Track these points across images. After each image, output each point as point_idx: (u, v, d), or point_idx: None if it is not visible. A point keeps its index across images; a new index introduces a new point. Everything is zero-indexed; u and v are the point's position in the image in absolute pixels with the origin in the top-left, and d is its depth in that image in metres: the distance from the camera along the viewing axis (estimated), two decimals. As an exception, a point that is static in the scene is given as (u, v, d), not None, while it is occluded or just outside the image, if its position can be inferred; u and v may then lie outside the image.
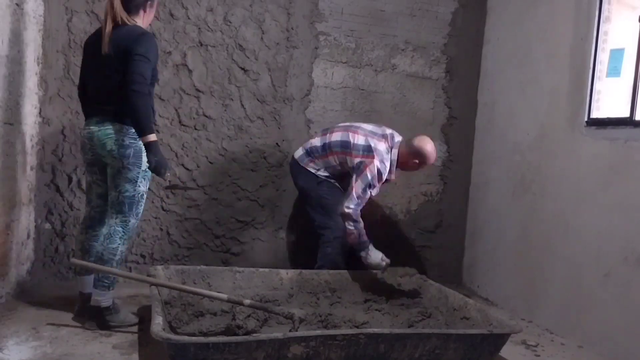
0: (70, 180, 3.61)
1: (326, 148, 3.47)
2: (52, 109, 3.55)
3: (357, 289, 3.41)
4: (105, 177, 2.86)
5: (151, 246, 3.78)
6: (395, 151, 3.43)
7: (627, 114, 3.05)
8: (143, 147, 2.70)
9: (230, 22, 3.82)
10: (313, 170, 3.50)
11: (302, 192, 3.64)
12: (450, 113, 4.37)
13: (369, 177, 3.29)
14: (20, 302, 3.10)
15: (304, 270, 3.40)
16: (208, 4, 3.77)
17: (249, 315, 2.86)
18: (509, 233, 3.91)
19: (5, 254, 3.00)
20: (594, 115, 3.27)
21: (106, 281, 2.77)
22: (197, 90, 3.79)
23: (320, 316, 3.09)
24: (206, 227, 3.87)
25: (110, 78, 2.71)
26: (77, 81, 3.55)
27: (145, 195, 2.90)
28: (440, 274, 4.34)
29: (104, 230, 2.85)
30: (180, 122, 3.77)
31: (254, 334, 2.26)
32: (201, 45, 3.78)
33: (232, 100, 3.87)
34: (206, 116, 3.82)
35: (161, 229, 3.78)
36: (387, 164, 3.38)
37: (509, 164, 3.97)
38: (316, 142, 3.54)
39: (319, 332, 2.34)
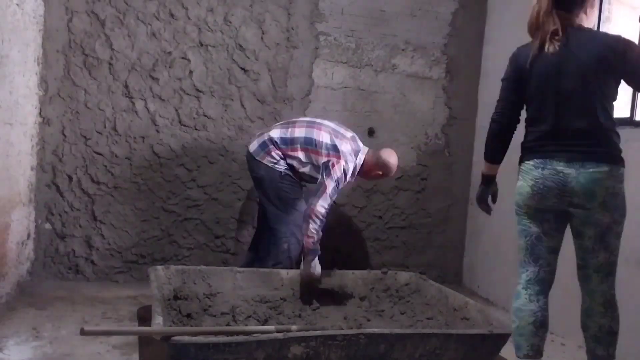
0: (70, 180, 3.61)
1: (288, 142, 3.27)
2: (52, 109, 3.55)
3: (358, 289, 3.41)
4: (561, 227, 2.36)
5: (151, 246, 3.78)
6: (361, 156, 3.34)
7: (627, 114, 3.05)
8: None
9: (230, 22, 3.82)
10: (270, 164, 3.27)
11: (260, 183, 3.33)
12: (451, 113, 4.37)
13: (337, 177, 3.17)
14: (20, 302, 3.11)
15: (304, 271, 3.39)
16: (208, 4, 3.77)
17: (249, 316, 2.86)
18: (509, 233, 3.90)
19: (5, 254, 2.99)
20: (594, 115, 3.26)
21: None
22: (198, 90, 3.79)
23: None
24: (206, 227, 3.87)
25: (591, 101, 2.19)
26: (77, 81, 3.57)
27: None
28: (440, 274, 4.35)
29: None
30: (180, 122, 3.77)
31: (255, 334, 2.25)
32: (201, 45, 3.78)
33: (233, 100, 3.87)
34: (206, 116, 3.82)
35: (161, 229, 3.78)
36: (351, 166, 3.26)
37: (509, 165, 3.96)
38: (275, 134, 3.29)
39: (319, 332, 2.34)
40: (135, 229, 3.74)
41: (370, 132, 4.19)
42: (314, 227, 3.10)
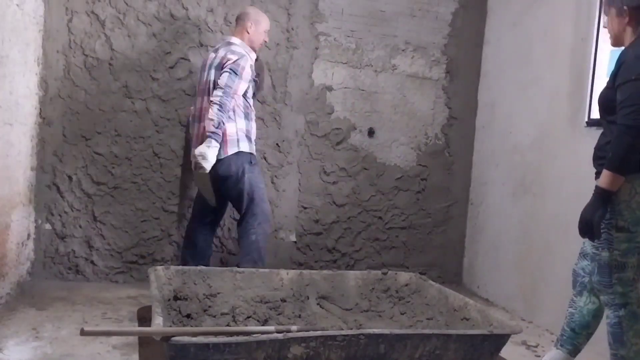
0: (70, 180, 3.61)
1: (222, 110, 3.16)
2: (52, 109, 3.55)
3: (358, 289, 3.41)
4: None
5: (151, 246, 3.78)
6: (238, 41, 3.38)
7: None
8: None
9: (230, 22, 3.82)
10: (236, 151, 3.24)
11: (227, 180, 3.28)
12: (450, 113, 4.37)
13: (236, 71, 3.20)
14: (20, 302, 3.11)
15: (304, 271, 3.39)
16: (208, 4, 3.77)
17: (249, 317, 2.86)
18: (509, 233, 3.91)
19: (5, 254, 3.00)
20: (594, 115, 3.26)
21: None
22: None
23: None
24: (206, 228, 3.87)
25: None
26: (77, 82, 3.58)
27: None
28: (440, 274, 4.35)
29: None
30: (180, 122, 3.77)
31: (254, 335, 2.26)
32: (201, 45, 3.78)
33: (232, 100, 3.87)
34: (206, 116, 3.82)
35: (162, 230, 3.78)
36: (249, 56, 3.32)
37: (509, 164, 3.97)
38: (209, 126, 3.15)
39: (319, 332, 2.34)
40: (136, 230, 3.74)
41: (370, 132, 4.19)
42: (215, 113, 3.10)
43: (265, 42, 3.56)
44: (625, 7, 2.26)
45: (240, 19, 3.47)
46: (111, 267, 3.71)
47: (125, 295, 3.44)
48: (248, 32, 3.42)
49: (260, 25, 3.46)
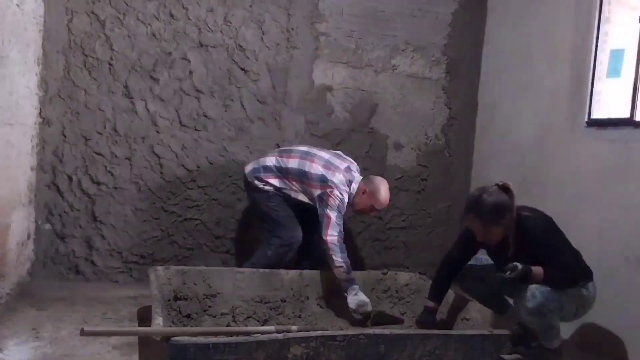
0: (70, 180, 3.61)
1: (282, 171, 3.33)
2: (52, 109, 3.55)
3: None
4: None
5: (151, 247, 3.78)
6: (355, 186, 3.29)
7: (627, 115, 3.05)
8: None
9: (230, 22, 3.82)
10: (260, 185, 3.36)
11: (252, 203, 3.54)
12: (451, 113, 4.37)
13: (336, 204, 3.17)
14: (20, 302, 3.10)
15: (304, 271, 3.39)
16: (208, 4, 3.77)
17: (249, 317, 2.87)
18: (509, 233, 3.90)
19: (5, 254, 3.00)
20: (594, 115, 3.27)
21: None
22: (198, 90, 3.79)
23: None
24: (206, 228, 3.87)
25: None
26: (77, 82, 3.58)
27: None
28: (440, 275, 4.34)
29: None
30: (180, 122, 3.77)
31: (255, 335, 2.26)
32: (201, 45, 3.78)
33: (233, 101, 3.87)
34: (206, 117, 3.82)
35: (161, 230, 3.78)
36: (345, 195, 3.23)
37: (509, 165, 3.97)
38: (270, 162, 3.37)
39: (319, 332, 2.34)
40: (136, 230, 3.74)
41: (370, 133, 4.19)
42: (336, 257, 3.12)
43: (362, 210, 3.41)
44: (502, 221, 2.65)
45: (369, 179, 3.35)
46: (111, 267, 3.71)
47: (125, 295, 3.43)
48: (362, 194, 3.29)
49: (373, 197, 3.28)
